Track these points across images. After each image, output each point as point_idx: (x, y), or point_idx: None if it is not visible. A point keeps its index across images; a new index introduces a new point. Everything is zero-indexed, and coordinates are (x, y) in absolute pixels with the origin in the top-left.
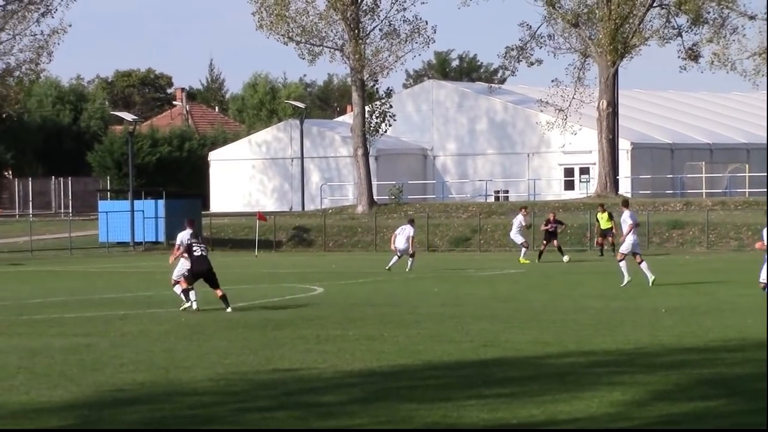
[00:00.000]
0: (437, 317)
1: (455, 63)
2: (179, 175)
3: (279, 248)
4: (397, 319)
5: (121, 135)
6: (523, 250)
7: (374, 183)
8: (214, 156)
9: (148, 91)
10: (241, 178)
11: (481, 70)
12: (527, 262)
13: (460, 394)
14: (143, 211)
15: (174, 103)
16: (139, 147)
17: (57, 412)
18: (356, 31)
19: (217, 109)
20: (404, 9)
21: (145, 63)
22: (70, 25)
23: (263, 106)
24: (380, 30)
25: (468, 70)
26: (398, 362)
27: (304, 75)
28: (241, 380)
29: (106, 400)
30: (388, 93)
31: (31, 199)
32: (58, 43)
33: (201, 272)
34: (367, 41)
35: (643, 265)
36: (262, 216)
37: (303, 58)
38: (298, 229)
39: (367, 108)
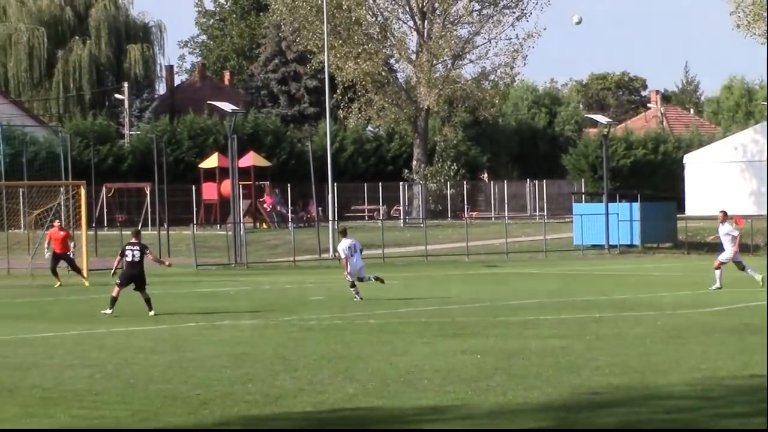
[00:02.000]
0: None
1: None
2: (653, 179)
3: (756, 252)
4: None
5: (595, 138)
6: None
7: None
8: (689, 159)
9: (622, 93)
10: (717, 181)
11: None
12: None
13: None
14: (618, 213)
15: (648, 105)
16: (613, 150)
17: (533, 413)
18: None
19: (692, 111)
20: None
21: (620, 66)
22: (544, 29)
23: (739, 108)
24: None
25: None
26: None
27: None
28: (718, 385)
29: (582, 403)
30: None
31: (506, 201)
32: (533, 47)
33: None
34: None
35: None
36: (740, 220)
37: None
38: None
39: None
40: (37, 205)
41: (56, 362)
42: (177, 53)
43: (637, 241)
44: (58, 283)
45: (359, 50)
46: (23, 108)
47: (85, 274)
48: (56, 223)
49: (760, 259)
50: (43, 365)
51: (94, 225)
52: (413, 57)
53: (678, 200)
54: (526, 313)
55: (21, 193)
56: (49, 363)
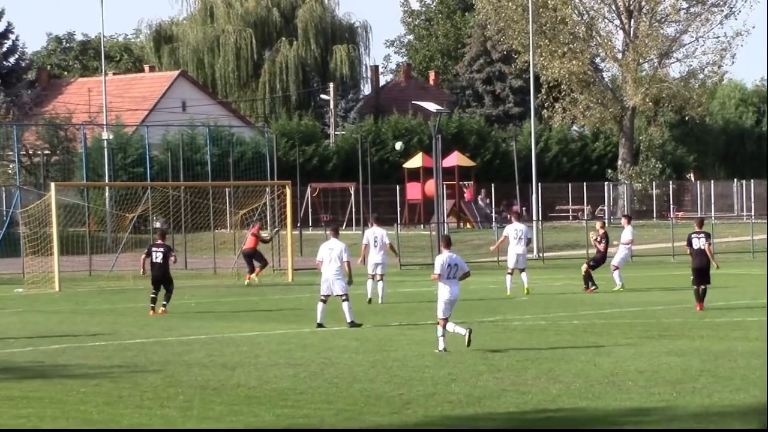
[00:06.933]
0: None
1: None
2: None
3: None
4: None
5: None
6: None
7: None
8: None
9: None
10: None
11: None
12: None
13: None
14: None
15: None
16: None
17: (739, 416)
18: None
19: None
20: None
21: None
22: (753, 27)
23: None
24: None
25: None
26: None
27: None
28: None
29: None
30: None
31: (712, 201)
32: (741, 45)
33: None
34: None
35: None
36: None
37: None
38: None
39: None
40: (243, 205)
41: (261, 361)
42: (383, 53)
43: None
44: (248, 282)
45: (565, 49)
46: (230, 109)
47: (289, 274)
48: (257, 224)
49: None
50: (248, 364)
51: (299, 225)
52: (619, 56)
53: None
54: (733, 314)
55: (227, 193)
56: (254, 362)
